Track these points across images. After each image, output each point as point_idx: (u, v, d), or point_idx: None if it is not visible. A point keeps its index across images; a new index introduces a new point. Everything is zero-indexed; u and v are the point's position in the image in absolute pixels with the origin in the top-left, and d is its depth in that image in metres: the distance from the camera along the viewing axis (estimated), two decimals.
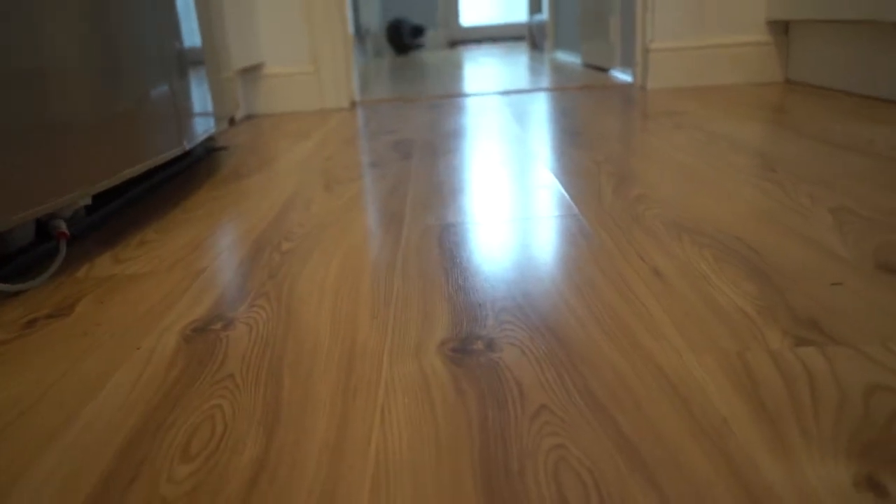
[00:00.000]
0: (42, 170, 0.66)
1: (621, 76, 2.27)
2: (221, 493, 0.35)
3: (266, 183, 1.07)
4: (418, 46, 5.13)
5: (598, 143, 1.20)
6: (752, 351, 0.45)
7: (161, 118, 0.92)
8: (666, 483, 0.33)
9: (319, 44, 1.94)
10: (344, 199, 0.93)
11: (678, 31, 1.87)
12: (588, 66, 2.74)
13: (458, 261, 0.66)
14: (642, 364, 0.44)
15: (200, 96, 1.12)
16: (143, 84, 0.88)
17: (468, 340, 0.49)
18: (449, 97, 2.08)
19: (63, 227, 0.73)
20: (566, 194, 0.87)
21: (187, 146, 1.01)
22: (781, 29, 1.85)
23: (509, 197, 0.88)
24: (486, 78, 2.60)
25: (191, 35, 1.10)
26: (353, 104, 2.03)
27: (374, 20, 4.78)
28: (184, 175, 1.18)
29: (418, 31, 5.04)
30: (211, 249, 0.75)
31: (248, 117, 1.94)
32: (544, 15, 3.99)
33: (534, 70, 2.83)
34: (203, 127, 1.12)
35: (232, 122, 1.84)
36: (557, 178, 0.96)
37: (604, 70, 2.53)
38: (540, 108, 1.71)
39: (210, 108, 1.18)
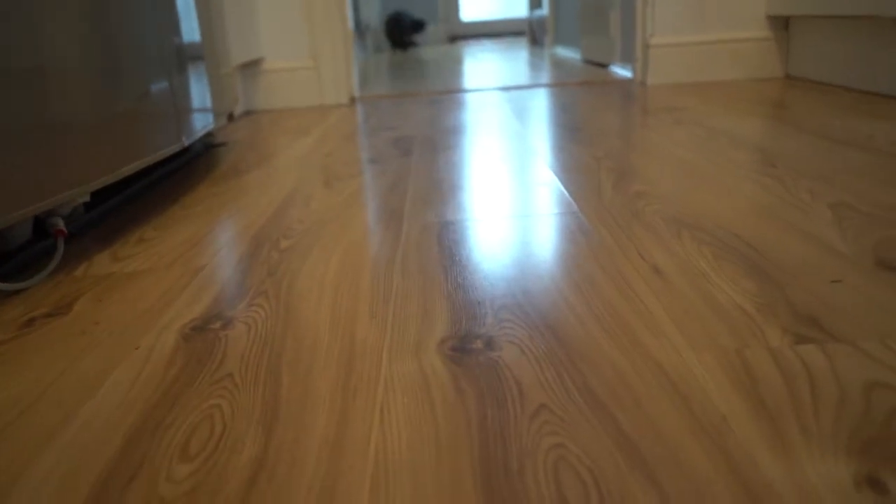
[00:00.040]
0: (40, 167, 0.66)
1: (621, 72, 2.26)
2: (220, 493, 0.35)
3: (265, 179, 1.07)
4: (417, 44, 5.10)
5: (598, 139, 1.20)
6: (752, 348, 0.45)
7: (159, 114, 0.92)
8: (666, 481, 0.33)
9: (319, 39, 1.94)
10: (343, 196, 0.93)
11: (678, 26, 1.87)
12: (588, 61, 2.74)
13: (458, 258, 0.66)
14: (642, 362, 0.44)
15: (199, 92, 1.12)
16: (142, 80, 0.87)
17: (467, 339, 0.49)
18: (449, 93, 2.08)
19: (61, 224, 0.73)
20: (565, 191, 0.87)
21: (186, 142, 1.01)
22: (781, 24, 1.84)
23: (509, 194, 0.88)
24: (486, 74, 2.60)
25: (190, 31, 1.10)
26: (353, 100, 2.03)
27: (374, 16, 4.76)
28: (182, 171, 1.18)
29: (419, 26, 5.01)
30: (210, 246, 0.75)
31: (247, 113, 1.93)
32: (544, 10, 3.99)
33: (533, 66, 2.82)
34: (202, 123, 1.12)
35: (231, 117, 1.83)
36: (557, 174, 0.96)
37: (604, 66, 2.52)
38: (540, 104, 1.71)
39: (209, 103, 1.18)
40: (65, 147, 0.70)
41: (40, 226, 0.76)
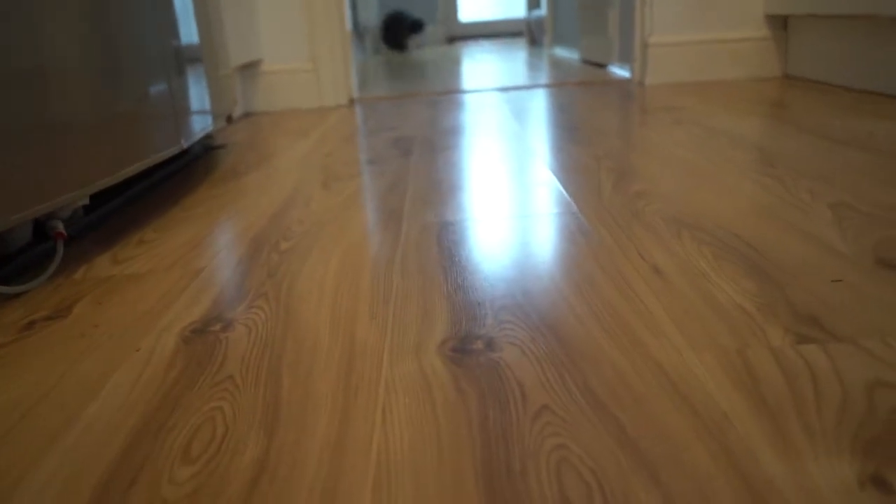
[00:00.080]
0: (39, 169, 0.66)
1: (620, 72, 2.26)
2: (223, 495, 0.35)
3: (264, 181, 1.07)
4: (417, 45, 5.08)
5: (597, 139, 1.20)
6: (753, 348, 0.45)
7: (159, 116, 0.92)
8: (668, 480, 0.33)
9: (318, 41, 1.94)
10: (343, 197, 0.93)
11: (677, 25, 1.87)
12: (586, 61, 2.74)
13: (457, 259, 0.66)
14: (642, 362, 0.44)
15: (198, 94, 1.12)
16: (141, 82, 0.87)
17: (468, 340, 0.49)
18: (447, 94, 2.08)
19: (60, 227, 0.72)
20: (565, 191, 0.87)
21: (185, 144, 1.01)
22: (780, 24, 1.84)
23: (508, 194, 0.88)
24: (485, 74, 2.60)
25: (188, 32, 1.10)
26: (352, 101, 2.03)
27: (373, 17, 4.76)
28: (182, 173, 1.18)
29: (418, 26, 4.99)
30: (210, 248, 0.75)
31: (247, 115, 1.93)
32: (542, 11, 3.99)
33: (532, 66, 2.82)
34: (201, 125, 1.12)
35: (230, 119, 1.83)
36: (556, 174, 0.96)
37: (602, 66, 2.52)
38: (538, 104, 1.71)
39: (208, 105, 1.18)
40: (64, 149, 0.70)
41: (40, 228, 0.76)
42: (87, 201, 0.78)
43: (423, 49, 5.06)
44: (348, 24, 2.00)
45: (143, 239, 0.81)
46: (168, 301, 0.61)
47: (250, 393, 0.44)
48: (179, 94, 1.01)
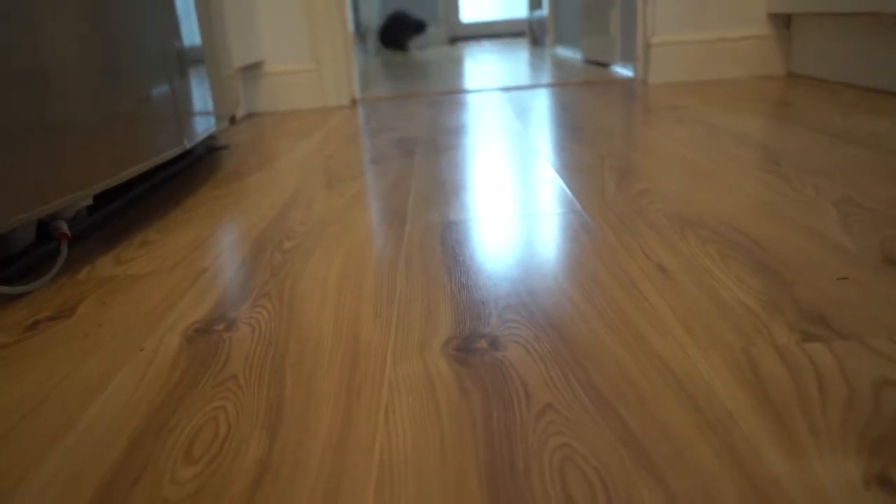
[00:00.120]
0: (43, 170, 0.66)
1: (622, 71, 2.26)
2: (225, 495, 0.35)
3: (267, 181, 1.07)
4: (419, 46, 5.07)
5: (600, 138, 1.20)
6: (758, 346, 0.45)
7: (161, 117, 0.92)
8: (672, 479, 0.33)
9: (320, 41, 1.94)
10: (346, 197, 0.93)
11: (679, 25, 1.86)
12: (589, 61, 2.74)
13: (461, 258, 0.66)
14: (647, 360, 0.44)
15: (201, 95, 1.12)
16: (144, 83, 0.87)
17: (472, 339, 0.49)
18: (450, 94, 2.08)
19: (64, 227, 0.72)
20: (568, 190, 0.87)
21: (188, 145, 1.01)
22: (783, 22, 1.84)
23: (512, 193, 0.88)
24: (487, 74, 2.60)
25: (191, 33, 1.10)
26: (354, 102, 2.03)
27: (375, 18, 4.76)
28: (185, 174, 1.18)
29: (420, 27, 4.98)
30: (212, 249, 0.75)
31: (249, 115, 1.93)
32: (544, 10, 3.98)
33: (534, 66, 2.82)
34: (204, 126, 1.12)
35: (233, 120, 1.84)
36: (559, 173, 0.96)
37: (605, 65, 2.52)
38: (541, 103, 1.71)
39: (210, 106, 1.18)
40: (67, 150, 0.70)
41: (44, 229, 0.76)
42: (90, 202, 0.78)
43: (424, 50, 5.05)
44: (350, 25, 2.00)
45: (147, 239, 0.81)
46: (171, 301, 0.61)
47: (253, 392, 0.44)
48: (182, 95, 1.01)
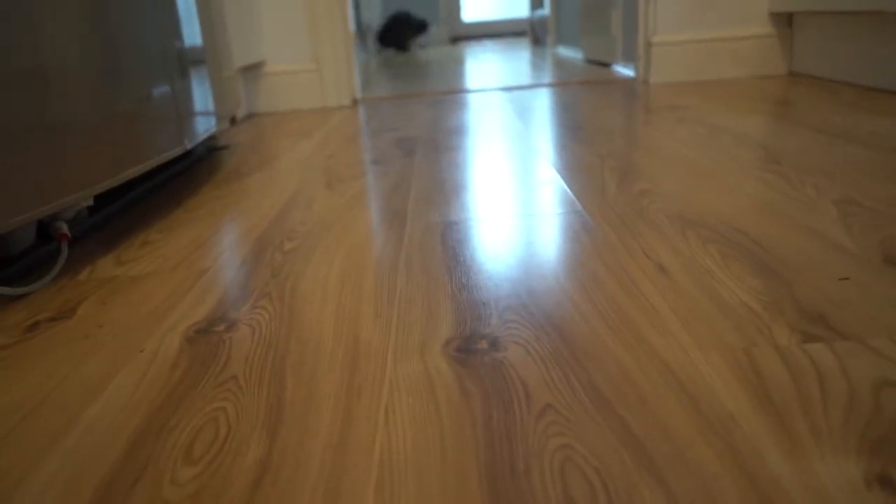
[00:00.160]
0: (43, 171, 0.66)
1: (623, 71, 2.26)
2: (225, 496, 0.35)
3: (268, 182, 1.07)
4: (421, 46, 5.07)
5: (601, 138, 1.19)
6: (759, 346, 0.44)
7: (162, 117, 0.92)
8: (673, 479, 0.33)
9: (321, 41, 1.94)
10: (346, 198, 0.93)
11: (680, 24, 1.86)
12: (590, 61, 2.74)
13: (462, 258, 0.66)
14: (648, 361, 0.44)
15: (201, 95, 1.12)
16: (144, 83, 0.87)
17: (472, 339, 0.49)
18: (451, 93, 2.08)
19: (64, 228, 0.72)
20: (569, 190, 0.87)
21: (189, 145, 1.01)
22: (784, 21, 1.84)
23: (512, 193, 0.88)
24: (488, 74, 2.60)
25: (192, 34, 1.10)
26: (355, 102, 2.03)
27: (376, 18, 4.75)
28: (185, 174, 1.18)
29: (422, 27, 4.97)
30: (213, 249, 0.75)
31: (250, 116, 1.93)
32: (546, 10, 3.98)
33: (535, 66, 2.82)
34: (204, 126, 1.12)
35: (233, 120, 1.84)
36: (560, 173, 0.96)
37: (606, 65, 2.52)
38: (542, 103, 1.71)
39: (211, 106, 1.18)
40: (67, 150, 0.70)
41: (44, 230, 0.76)
42: (91, 202, 0.78)
43: (426, 49, 5.05)
44: (351, 25, 2.00)
45: (147, 240, 0.81)
46: (172, 302, 0.61)
47: (253, 393, 0.44)
48: (182, 95, 1.01)
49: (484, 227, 0.75)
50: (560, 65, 2.73)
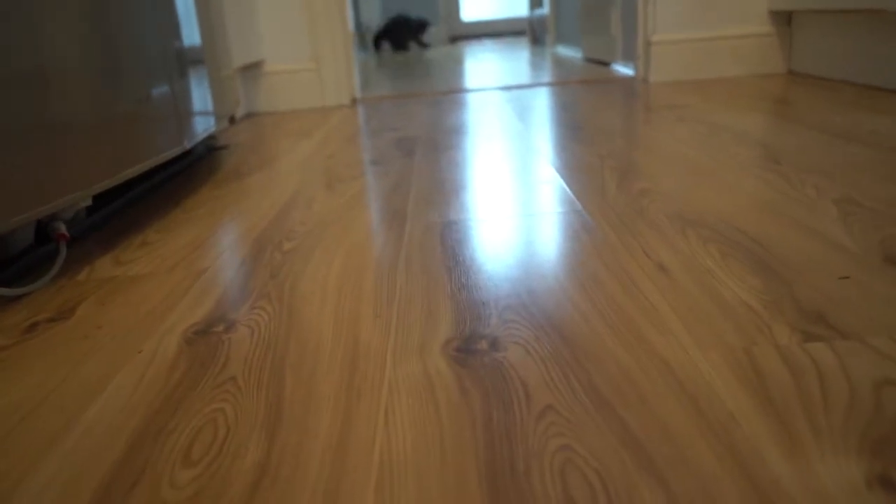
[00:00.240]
0: (42, 170, 0.66)
1: (623, 70, 2.26)
2: (224, 497, 0.35)
3: (267, 181, 1.07)
4: (420, 45, 5.06)
5: (601, 137, 1.19)
6: (759, 346, 0.44)
7: (161, 117, 0.92)
8: (673, 480, 0.33)
9: (320, 41, 1.93)
10: (346, 198, 0.93)
11: (680, 23, 1.86)
12: (589, 60, 2.73)
13: (461, 258, 0.66)
14: (648, 361, 0.44)
15: (201, 95, 1.12)
16: (143, 83, 0.87)
17: (472, 339, 0.49)
18: (450, 93, 2.08)
19: (63, 228, 0.72)
20: (569, 189, 0.87)
21: (188, 145, 1.01)
22: (784, 20, 1.84)
23: (512, 193, 0.88)
24: (488, 73, 2.60)
25: (191, 33, 1.10)
26: (355, 101, 2.03)
27: (375, 17, 4.75)
28: (184, 174, 1.18)
29: (423, 27, 4.97)
30: (212, 249, 0.75)
31: (249, 115, 1.93)
32: (545, 9, 3.98)
33: (535, 65, 2.82)
34: (203, 125, 1.12)
35: (232, 120, 1.83)
36: (560, 173, 0.96)
37: (605, 64, 2.52)
38: (541, 103, 1.70)
39: (210, 106, 1.18)
40: (66, 150, 0.70)
41: (42, 230, 0.76)
42: (89, 202, 0.78)
43: (427, 48, 5.05)
44: (350, 24, 2.00)
45: (146, 240, 0.80)
46: (171, 302, 0.61)
47: (252, 394, 0.44)
48: (182, 94, 1.01)
49: (484, 227, 0.75)
50: (559, 64, 2.73)
